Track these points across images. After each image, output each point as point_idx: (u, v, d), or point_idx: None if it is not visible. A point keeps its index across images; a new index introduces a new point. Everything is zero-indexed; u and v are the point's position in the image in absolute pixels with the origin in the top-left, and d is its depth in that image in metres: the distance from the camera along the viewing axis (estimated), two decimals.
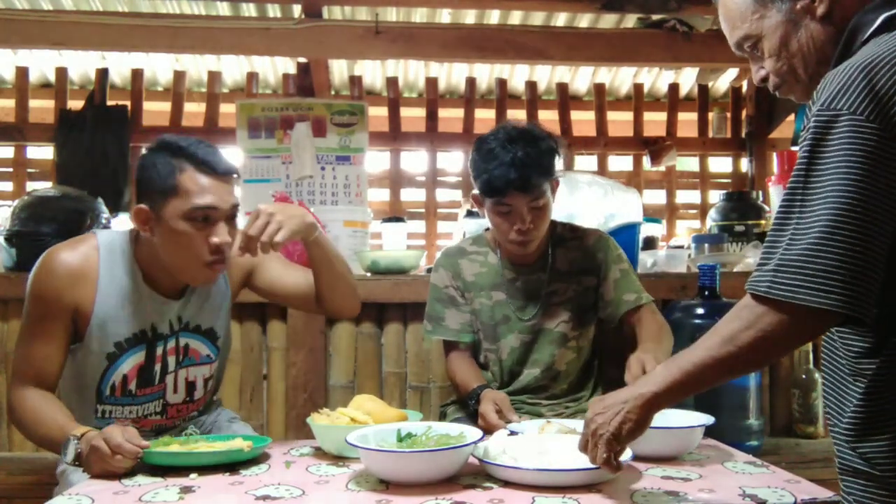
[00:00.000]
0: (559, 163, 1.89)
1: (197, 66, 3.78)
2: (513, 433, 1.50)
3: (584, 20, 3.43)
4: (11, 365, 1.61)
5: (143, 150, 1.58)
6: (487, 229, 2.08)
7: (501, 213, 1.87)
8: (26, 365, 1.54)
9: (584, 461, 1.22)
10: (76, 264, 1.54)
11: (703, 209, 3.90)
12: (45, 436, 1.47)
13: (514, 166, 1.78)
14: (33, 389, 1.52)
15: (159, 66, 3.77)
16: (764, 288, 0.97)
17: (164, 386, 1.66)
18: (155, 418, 1.68)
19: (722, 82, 4.05)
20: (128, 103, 3.50)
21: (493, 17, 3.46)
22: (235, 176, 1.59)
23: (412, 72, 3.87)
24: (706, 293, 2.17)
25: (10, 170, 3.56)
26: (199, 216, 1.49)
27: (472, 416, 1.82)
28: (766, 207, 3.26)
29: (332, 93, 3.88)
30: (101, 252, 1.57)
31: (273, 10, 3.22)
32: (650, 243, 2.94)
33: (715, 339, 1.03)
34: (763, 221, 3.23)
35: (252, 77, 3.66)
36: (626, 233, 2.48)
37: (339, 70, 3.84)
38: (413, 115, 3.86)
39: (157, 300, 1.61)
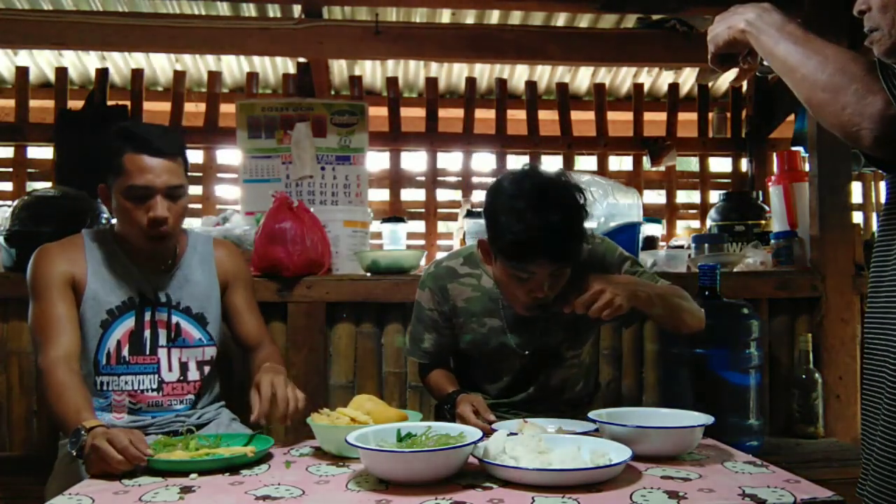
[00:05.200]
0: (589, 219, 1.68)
1: (197, 66, 3.78)
2: (512, 434, 1.50)
3: (584, 20, 3.43)
4: (34, 342, 1.72)
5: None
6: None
7: (518, 277, 1.66)
8: (47, 330, 1.65)
9: (583, 461, 1.22)
10: (66, 246, 1.77)
11: (703, 209, 3.90)
12: (61, 414, 1.53)
13: (547, 233, 1.55)
14: (62, 360, 1.61)
15: (159, 66, 3.77)
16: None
17: (158, 360, 1.79)
18: (151, 395, 1.77)
19: (722, 82, 4.04)
20: (128, 103, 3.49)
21: (493, 17, 3.46)
22: (177, 156, 1.72)
23: (412, 72, 3.87)
24: (706, 293, 2.17)
25: (10, 170, 3.55)
26: (135, 194, 1.68)
27: (451, 420, 1.74)
28: (766, 207, 3.25)
29: (332, 93, 3.88)
30: (86, 239, 1.79)
31: (273, 10, 3.22)
32: (650, 243, 2.94)
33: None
34: (763, 221, 3.23)
35: (252, 77, 3.66)
36: (626, 233, 2.49)
37: (339, 70, 3.84)
38: (413, 115, 3.85)
39: (141, 271, 1.79)
